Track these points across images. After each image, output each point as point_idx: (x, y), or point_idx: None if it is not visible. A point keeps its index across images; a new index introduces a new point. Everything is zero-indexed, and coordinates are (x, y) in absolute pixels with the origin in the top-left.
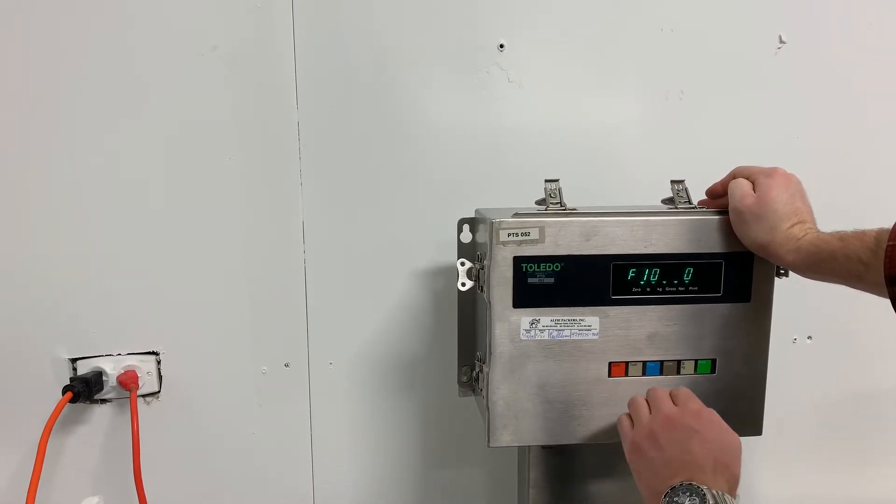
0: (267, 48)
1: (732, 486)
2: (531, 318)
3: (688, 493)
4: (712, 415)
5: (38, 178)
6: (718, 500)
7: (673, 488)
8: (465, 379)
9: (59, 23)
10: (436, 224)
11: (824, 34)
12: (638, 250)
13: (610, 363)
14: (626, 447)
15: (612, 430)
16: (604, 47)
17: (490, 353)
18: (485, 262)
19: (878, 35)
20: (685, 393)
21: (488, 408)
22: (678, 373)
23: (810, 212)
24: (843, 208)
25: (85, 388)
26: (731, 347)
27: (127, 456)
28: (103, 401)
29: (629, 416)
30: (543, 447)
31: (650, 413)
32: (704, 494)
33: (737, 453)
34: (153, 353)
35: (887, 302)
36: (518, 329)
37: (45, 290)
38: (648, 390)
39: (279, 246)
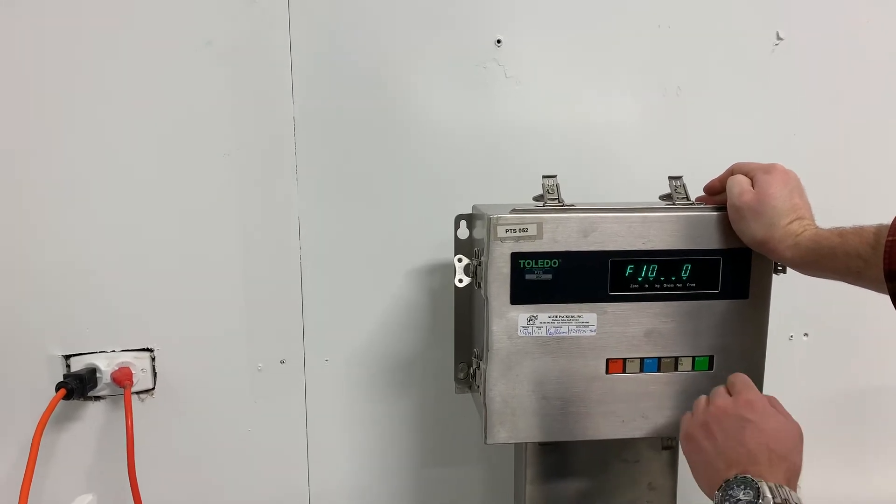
0: (262, 43)
1: (792, 477)
2: (529, 315)
3: (742, 487)
4: (768, 405)
5: (31, 174)
6: (775, 492)
7: (727, 481)
8: (462, 376)
9: (52, 16)
10: (433, 220)
11: (822, 31)
12: (636, 246)
13: (607, 360)
14: (680, 439)
15: (609, 427)
16: (601, 43)
17: (487, 350)
18: (482, 258)
19: (876, 32)
20: (741, 381)
21: (485, 404)
22: (676, 369)
23: (809, 208)
24: (842, 205)
25: (79, 385)
26: (729, 344)
27: (121, 453)
28: (97, 397)
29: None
30: (540, 444)
31: (706, 406)
32: (759, 487)
33: (796, 442)
34: (147, 349)
35: (885, 298)
36: (515, 325)
37: (39, 287)
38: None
39: (275, 242)
